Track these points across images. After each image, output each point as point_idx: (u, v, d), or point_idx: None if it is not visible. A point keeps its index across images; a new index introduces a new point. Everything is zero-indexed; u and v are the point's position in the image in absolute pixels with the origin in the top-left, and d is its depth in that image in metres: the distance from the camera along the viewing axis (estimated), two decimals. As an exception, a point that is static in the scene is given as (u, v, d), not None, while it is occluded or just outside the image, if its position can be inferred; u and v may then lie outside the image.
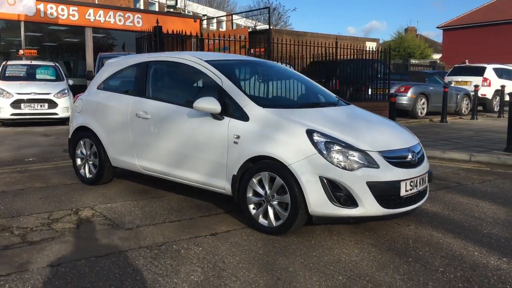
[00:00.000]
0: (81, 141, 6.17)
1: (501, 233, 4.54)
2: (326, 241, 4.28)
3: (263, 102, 4.71)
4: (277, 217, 4.36)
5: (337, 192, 4.11)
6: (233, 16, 25.94)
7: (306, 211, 4.20)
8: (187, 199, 5.54)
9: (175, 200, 5.52)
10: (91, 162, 6.10)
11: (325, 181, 4.10)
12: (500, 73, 18.81)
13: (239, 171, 4.55)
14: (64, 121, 13.06)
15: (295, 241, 4.25)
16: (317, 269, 3.66)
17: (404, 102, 14.80)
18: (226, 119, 4.68)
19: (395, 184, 4.22)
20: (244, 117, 4.59)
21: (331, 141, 4.20)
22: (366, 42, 19.58)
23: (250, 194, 4.52)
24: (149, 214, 5.00)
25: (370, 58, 14.05)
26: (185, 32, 12.87)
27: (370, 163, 4.17)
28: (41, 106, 12.73)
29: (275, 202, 4.35)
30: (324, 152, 4.14)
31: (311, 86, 5.80)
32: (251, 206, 4.53)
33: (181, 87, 5.65)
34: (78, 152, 6.25)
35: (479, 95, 17.47)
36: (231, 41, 13.22)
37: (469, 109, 17.48)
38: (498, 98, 18.36)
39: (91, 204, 5.32)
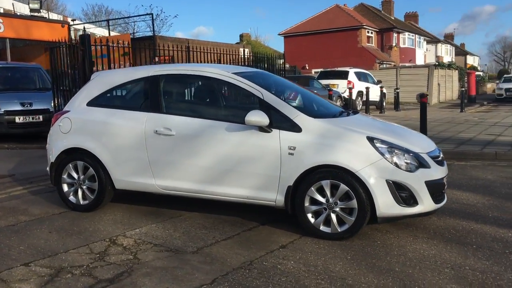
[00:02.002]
0: (70, 164, 5.53)
1: (505, 215, 5.33)
2: (388, 240, 4.59)
3: (310, 112, 4.84)
4: (340, 222, 4.55)
5: (401, 193, 4.45)
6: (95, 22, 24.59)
7: (371, 214, 4.47)
8: (209, 216, 5.37)
9: (197, 218, 5.32)
10: (85, 187, 5.51)
11: (391, 183, 4.42)
12: (359, 76, 21.03)
13: (295, 182, 4.63)
14: None
15: (364, 244, 4.49)
16: (419, 266, 3.95)
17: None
18: (275, 131, 4.70)
19: (442, 181, 4.73)
20: (295, 128, 4.66)
21: (392, 146, 4.53)
22: (240, 48, 20.23)
23: (307, 204, 4.62)
24: (191, 235, 4.77)
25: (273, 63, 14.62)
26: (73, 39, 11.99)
27: (424, 164, 4.60)
28: None
29: (337, 209, 4.53)
30: (388, 157, 4.46)
31: (314, 95, 6.04)
32: (310, 215, 4.64)
33: (212, 101, 5.45)
34: (65, 177, 5.59)
35: (346, 96, 19.31)
36: (119, 47, 12.57)
37: (340, 109, 19.21)
38: (360, 98, 20.51)
39: (117, 232, 4.87)
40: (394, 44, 45.72)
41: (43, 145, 11.28)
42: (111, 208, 5.71)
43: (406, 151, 4.56)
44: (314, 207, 4.61)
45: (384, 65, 41.52)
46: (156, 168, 5.16)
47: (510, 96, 30.84)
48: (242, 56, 16.09)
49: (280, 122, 4.72)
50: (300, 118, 4.69)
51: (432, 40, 60.24)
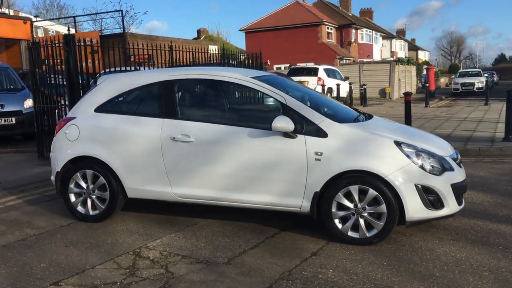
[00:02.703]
0: (78, 173, 5.28)
1: (515, 214, 5.48)
2: (415, 243, 4.61)
3: (334, 117, 4.79)
4: (368, 227, 4.54)
5: (429, 196, 4.48)
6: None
7: (400, 218, 4.49)
8: (225, 223, 5.25)
9: (214, 225, 5.19)
10: (94, 196, 5.28)
11: (420, 188, 4.44)
12: (328, 73, 21.25)
13: (322, 188, 4.58)
14: None
15: (393, 248, 4.49)
16: (457, 270, 3.97)
17: (271, 103, 15.69)
18: (301, 136, 4.63)
19: (464, 183, 4.80)
20: (321, 133, 4.61)
21: (418, 150, 4.55)
22: (209, 46, 20.02)
23: (334, 209, 4.59)
24: (215, 244, 4.65)
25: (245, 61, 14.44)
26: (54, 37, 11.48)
27: (448, 167, 4.65)
28: None
29: (366, 214, 4.52)
30: (416, 161, 4.47)
31: (328, 99, 5.99)
32: (337, 221, 4.61)
33: (232, 106, 5.30)
34: (72, 186, 5.33)
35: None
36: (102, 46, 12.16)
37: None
38: (329, 95, 20.71)
39: (138, 243, 4.69)
40: (353, 40, 46.48)
41: (19, 148, 10.88)
42: (121, 217, 5.50)
43: (432, 154, 4.60)
44: (341, 213, 4.58)
45: (344, 61, 42.16)
46: (173, 176, 5.00)
47: (466, 90, 32.01)
48: (215, 53, 15.82)
49: (305, 127, 4.65)
50: (325, 123, 4.64)
51: (387, 36, 61.61)
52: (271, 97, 4.85)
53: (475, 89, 31.95)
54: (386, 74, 30.08)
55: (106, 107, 5.31)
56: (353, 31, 46.90)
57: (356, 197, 4.52)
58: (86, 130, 5.28)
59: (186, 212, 5.57)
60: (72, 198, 5.37)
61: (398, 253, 4.38)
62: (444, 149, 4.84)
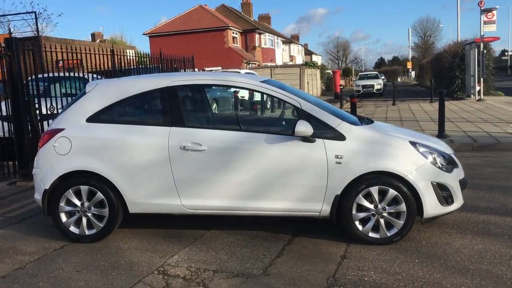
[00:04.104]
0: (71, 190, 4.80)
1: (491, 204, 5.84)
2: (429, 238, 4.77)
3: (346, 120, 4.81)
4: (388, 227, 4.62)
5: (443, 193, 4.66)
6: None
7: (417, 216, 4.63)
8: (232, 233, 5.07)
9: (223, 236, 4.99)
10: (90, 214, 4.82)
11: (436, 185, 4.61)
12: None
13: (343, 191, 4.59)
14: None
15: (412, 245, 4.61)
16: (486, 262, 4.15)
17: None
18: (319, 140, 4.60)
19: (466, 179, 5.06)
20: (339, 136, 4.61)
21: (432, 150, 4.72)
22: (126, 50, 19.27)
23: (354, 211, 4.62)
24: (237, 255, 4.47)
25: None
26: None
27: (455, 164, 4.88)
28: None
29: (386, 214, 4.60)
30: (431, 160, 4.64)
31: (327, 104, 5.97)
32: (357, 223, 4.64)
33: (244, 112, 5.07)
34: (63, 205, 4.82)
35: (240, 97, 19.53)
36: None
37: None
38: (253, 99, 20.88)
39: (157, 261, 4.36)
40: (257, 45, 47.29)
41: None
42: (117, 235, 5.08)
43: (441, 153, 4.80)
44: (361, 214, 4.62)
45: (250, 65, 42.75)
46: (183, 187, 4.72)
47: (367, 92, 34.05)
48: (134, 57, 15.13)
49: (322, 131, 4.63)
50: (342, 126, 4.66)
51: (286, 40, 63.56)
52: (285, 101, 4.75)
53: (374, 90, 34.12)
54: (296, 78, 31.02)
55: (101, 117, 4.87)
56: (257, 36, 47.75)
57: (376, 198, 4.58)
58: (80, 143, 4.81)
59: (182, 224, 5.33)
60: (63, 217, 4.86)
61: (421, 249, 4.50)
62: (447, 148, 5.08)
